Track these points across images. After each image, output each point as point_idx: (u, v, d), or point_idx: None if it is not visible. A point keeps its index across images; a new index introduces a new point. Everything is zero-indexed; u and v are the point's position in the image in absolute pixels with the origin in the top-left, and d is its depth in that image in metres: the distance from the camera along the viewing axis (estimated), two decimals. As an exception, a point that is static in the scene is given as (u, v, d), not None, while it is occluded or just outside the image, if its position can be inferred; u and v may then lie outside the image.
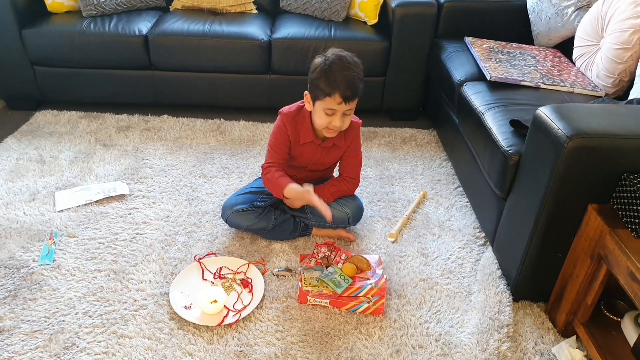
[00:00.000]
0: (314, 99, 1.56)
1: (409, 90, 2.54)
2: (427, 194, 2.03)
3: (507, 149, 1.53)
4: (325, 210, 1.56)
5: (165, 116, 2.53)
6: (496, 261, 1.67)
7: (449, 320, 1.50)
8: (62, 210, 1.86)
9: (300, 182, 1.67)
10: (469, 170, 1.95)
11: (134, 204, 1.93)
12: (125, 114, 2.53)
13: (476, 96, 1.89)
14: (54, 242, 1.70)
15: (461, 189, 2.07)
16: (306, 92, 1.59)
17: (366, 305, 1.49)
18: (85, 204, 1.90)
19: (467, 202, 2.00)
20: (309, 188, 1.59)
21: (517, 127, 1.59)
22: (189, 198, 1.98)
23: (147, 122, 2.48)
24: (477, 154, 1.80)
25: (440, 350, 1.40)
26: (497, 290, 1.56)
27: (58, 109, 2.56)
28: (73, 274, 1.59)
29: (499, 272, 1.63)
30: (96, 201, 1.92)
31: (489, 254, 1.72)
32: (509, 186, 1.54)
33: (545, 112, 1.34)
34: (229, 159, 2.23)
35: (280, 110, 1.69)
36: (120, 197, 1.96)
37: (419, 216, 1.93)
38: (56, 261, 1.63)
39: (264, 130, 2.45)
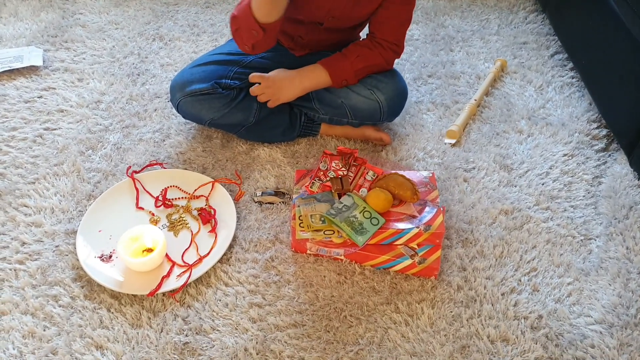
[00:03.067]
0: None
1: None
2: (506, 65, 1.41)
3: None
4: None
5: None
6: (638, 181, 0.98)
7: (554, 288, 0.85)
8: (-62, 92, 1.24)
9: (309, 45, 1.08)
10: (586, 24, 1.24)
11: (50, 81, 1.29)
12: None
13: None
14: None
15: (563, 55, 1.42)
16: None
17: (409, 261, 0.85)
18: (-25, 82, 1.26)
19: (574, 77, 1.34)
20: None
21: None
22: (132, 72, 1.31)
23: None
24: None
25: (542, 350, 0.77)
26: (645, 239, 0.88)
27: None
28: None
29: (644, 203, 0.94)
30: (-8, 77, 1.27)
31: (619, 168, 1.04)
32: None
33: None
34: (200, 12, 1.60)
35: None
36: (30, 70, 1.33)
37: (494, 101, 1.25)
38: None
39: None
